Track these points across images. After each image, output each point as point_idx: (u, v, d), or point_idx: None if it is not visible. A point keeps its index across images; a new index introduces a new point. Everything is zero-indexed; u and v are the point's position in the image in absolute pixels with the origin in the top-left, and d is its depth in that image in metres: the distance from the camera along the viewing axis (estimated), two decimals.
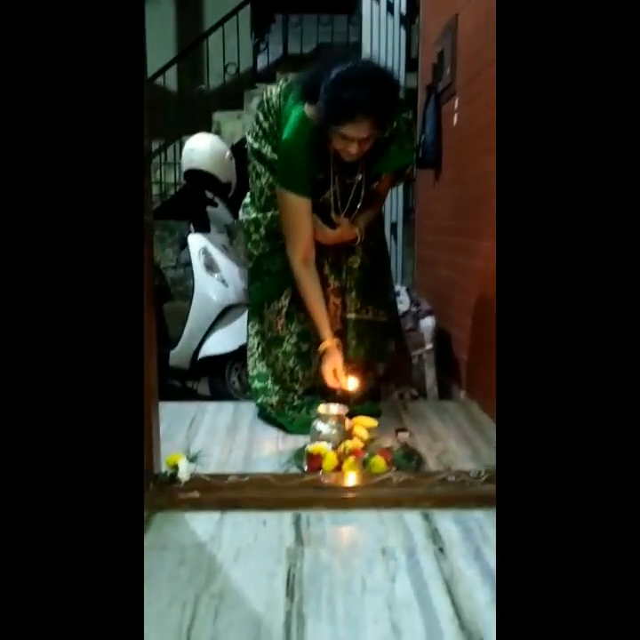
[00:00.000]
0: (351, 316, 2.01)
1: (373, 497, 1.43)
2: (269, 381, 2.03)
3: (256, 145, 1.94)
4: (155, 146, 4.77)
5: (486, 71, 2.20)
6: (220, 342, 2.92)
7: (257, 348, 2.09)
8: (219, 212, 3.21)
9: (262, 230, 1.98)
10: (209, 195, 3.12)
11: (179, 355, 2.92)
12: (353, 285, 2.00)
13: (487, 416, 2.10)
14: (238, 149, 3.82)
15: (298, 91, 1.80)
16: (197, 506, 1.40)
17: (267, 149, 1.92)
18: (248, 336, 2.13)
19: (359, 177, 1.90)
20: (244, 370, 2.95)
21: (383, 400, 2.30)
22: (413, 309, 2.61)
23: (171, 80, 4.96)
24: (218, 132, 4.94)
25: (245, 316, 2.95)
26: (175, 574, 1.15)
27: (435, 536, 1.30)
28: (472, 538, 1.29)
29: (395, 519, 1.37)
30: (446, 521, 1.36)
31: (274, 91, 1.91)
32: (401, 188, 4.47)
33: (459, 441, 1.87)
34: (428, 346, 2.51)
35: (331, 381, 1.86)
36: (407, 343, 2.51)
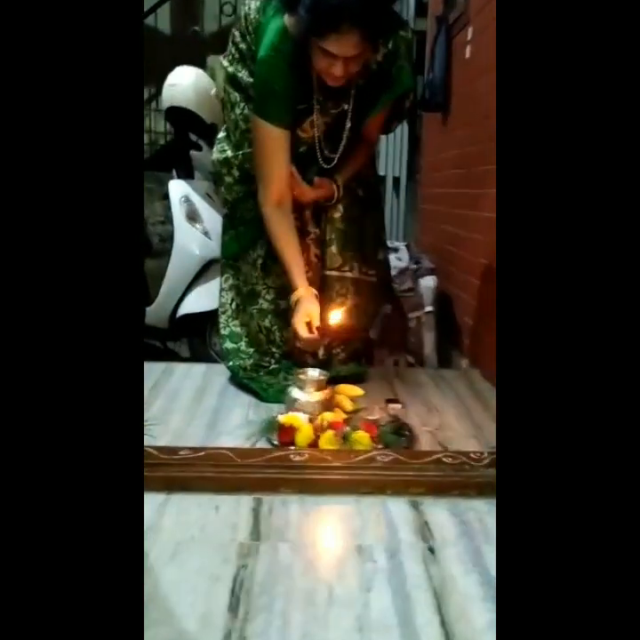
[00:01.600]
0: (331, 273, 1.73)
1: (353, 480, 1.18)
2: (243, 342, 1.79)
3: (231, 69, 1.66)
4: (145, 93, 4.46)
5: None
6: (201, 300, 2.67)
7: (230, 305, 1.83)
8: (203, 156, 2.91)
9: (235, 172, 1.71)
10: (192, 137, 2.83)
11: (156, 312, 2.66)
12: (333, 238, 1.72)
13: (491, 387, 1.85)
14: None
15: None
16: None
17: (243, 74, 1.63)
18: (221, 291, 1.87)
19: (345, 107, 1.61)
20: None
21: (375, 367, 2.04)
22: (413, 267, 2.34)
23: (163, 21, 4.63)
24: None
25: None
26: None
27: (424, 531, 1.06)
28: (470, 534, 1.05)
29: (376, 508, 1.13)
30: (439, 512, 1.12)
31: (253, 4, 1.61)
32: (406, 142, 4.18)
33: (458, 415, 1.62)
34: (428, 308, 2.25)
35: (303, 332, 1.54)
36: (404, 305, 2.25)
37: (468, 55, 2.32)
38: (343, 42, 1.37)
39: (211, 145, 2.91)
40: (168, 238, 2.78)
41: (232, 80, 1.66)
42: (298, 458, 1.22)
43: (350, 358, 1.83)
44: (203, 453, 1.23)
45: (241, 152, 1.67)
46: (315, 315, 1.55)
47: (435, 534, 1.05)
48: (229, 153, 1.71)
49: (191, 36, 4.81)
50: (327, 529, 1.06)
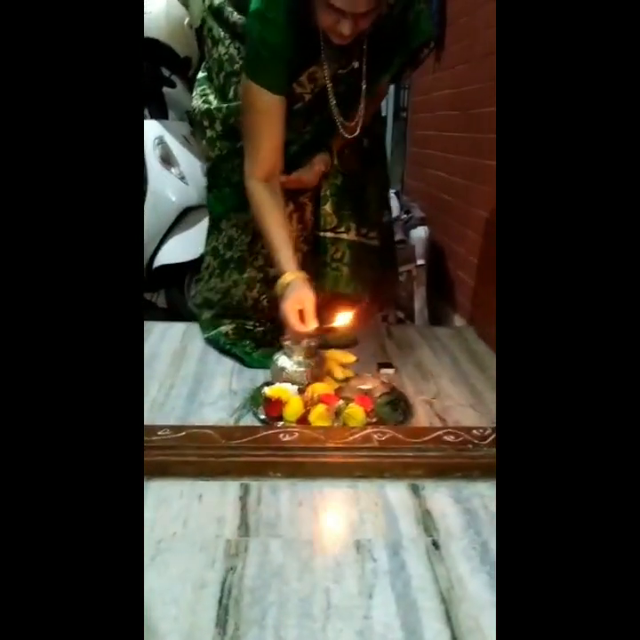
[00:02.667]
0: (325, 234, 1.56)
1: (347, 463, 1.09)
2: (220, 308, 1.65)
3: (217, 1, 1.44)
4: None
5: None
6: (179, 250, 2.52)
7: (207, 270, 1.68)
8: (178, 94, 2.72)
9: (218, 126, 1.50)
10: (165, 72, 2.62)
11: None
12: (328, 194, 1.53)
13: (487, 346, 1.76)
14: (203, 32, 3.24)
15: None
16: None
17: (230, 10, 1.42)
18: (205, 254, 1.72)
19: (356, 64, 1.37)
20: None
21: (364, 324, 1.93)
22: (403, 217, 2.21)
23: None
24: (185, 5, 4.28)
25: (208, 219, 2.57)
26: None
27: (427, 521, 0.98)
28: (476, 525, 0.97)
29: (374, 494, 1.04)
30: (442, 498, 1.04)
31: None
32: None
33: (455, 380, 1.53)
34: (420, 261, 2.13)
35: (295, 324, 1.31)
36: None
37: None
38: None
39: (185, 80, 2.71)
40: (142, 185, 2.60)
41: (216, 13, 1.45)
42: (288, 438, 1.13)
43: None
44: (184, 433, 1.13)
45: (225, 105, 1.46)
46: (309, 303, 1.32)
47: (438, 525, 0.97)
48: (213, 101, 1.50)
49: None
50: (322, 521, 0.97)
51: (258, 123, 1.34)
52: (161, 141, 2.52)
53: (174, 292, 2.61)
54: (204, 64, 1.60)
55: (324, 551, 0.90)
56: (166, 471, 1.06)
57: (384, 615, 0.78)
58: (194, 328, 1.82)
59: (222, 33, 1.45)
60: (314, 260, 1.58)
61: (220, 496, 1.02)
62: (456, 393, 1.46)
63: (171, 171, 2.51)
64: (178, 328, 1.84)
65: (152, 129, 2.53)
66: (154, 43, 2.46)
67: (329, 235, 1.56)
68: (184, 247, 2.52)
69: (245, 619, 0.77)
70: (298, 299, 1.31)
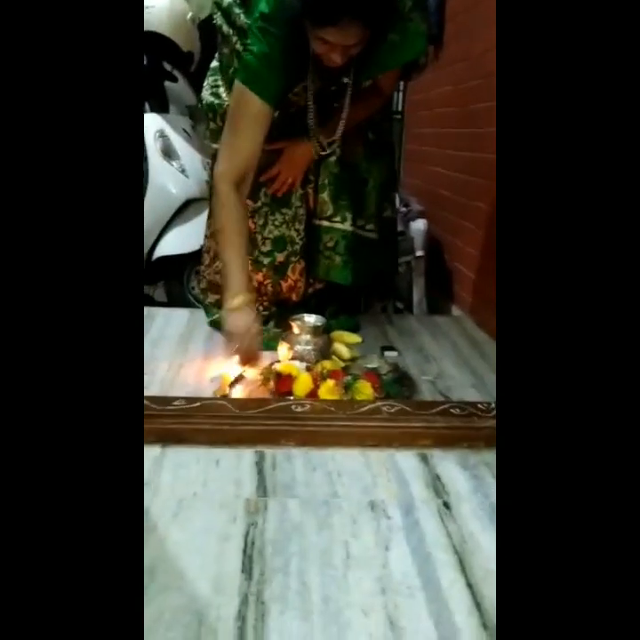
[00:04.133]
0: (320, 222, 1.59)
1: (358, 432, 1.13)
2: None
3: (226, 2, 1.47)
4: None
5: None
6: (179, 241, 2.54)
7: (209, 253, 1.71)
8: (179, 88, 2.75)
9: (219, 121, 1.53)
10: (167, 67, 2.65)
11: None
12: (326, 183, 1.56)
13: (485, 334, 1.80)
14: (206, 26, 3.27)
15: None
16: None
17: (237, 12, 1.45)
18: (205, 238, 1.75)
19: (345, 80, 1.42)
20: None
21: (362, 313, 1.97)
22: (403, 210, 2.25)
23: None
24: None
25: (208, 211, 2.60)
26: None
27: (436, 485, 1.01)
28: (483, 489, 1.01)
29: (384, 462, 1.08)
30: (450, 465, 1.07)
31: None
32: None
33: (456, 363, 1.57)
34: (419, 252, 2.17)
35: (241, 359, 1.36)
36: None
37: None
38: (342, 32, 1.19)
39: (186, 75, 2.74)
40: (142, 176, 2.62)
41: (225, 12, 1.48)
42: (299, 409, 1.16)
43: (342, 311, 1.75)
44: (198, 404, 1.16)
45: (227, 102, 1.48)
46: (253, 341, 1.35)
47: (447, 488, 1.00)
48: (222, 94, 1.53)
49: None
50: (336, 484, 1.00)
51: (242, 126, 1.35)
52: (162, 135, 2.54)
53: (174, 284, 2.63)
54: (217, 56, 1.63)
55: (340, 510, 0.93)
56: (182, 439, 1.09)
57: (401, 565, 0.82)
58: (197, 313, 1.85)
59: (231, 31, 1.49)
60: (308, 246, 1.61)
61: (236, 461, 1.05)
62: (458, 374, 1.50)
63: (171, 164, 2.53)
64: (182, 313, 1.87)
65: (153, 122, 2.55)
66: (156, 37, 2.49)
67: (324, 223, 1.59)
68: (184, 239, 2.54)
69: (270, 566, 0.80)
70: (245, 335, 1.34)
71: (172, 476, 1.00)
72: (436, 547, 0.86)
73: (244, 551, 0.83)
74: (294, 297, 1.65)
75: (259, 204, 1.56)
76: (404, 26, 1.34)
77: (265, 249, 1.61)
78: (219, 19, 1.50)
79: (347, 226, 1.59)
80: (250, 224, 1.60)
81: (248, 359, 1.36)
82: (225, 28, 1.48)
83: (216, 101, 1.54)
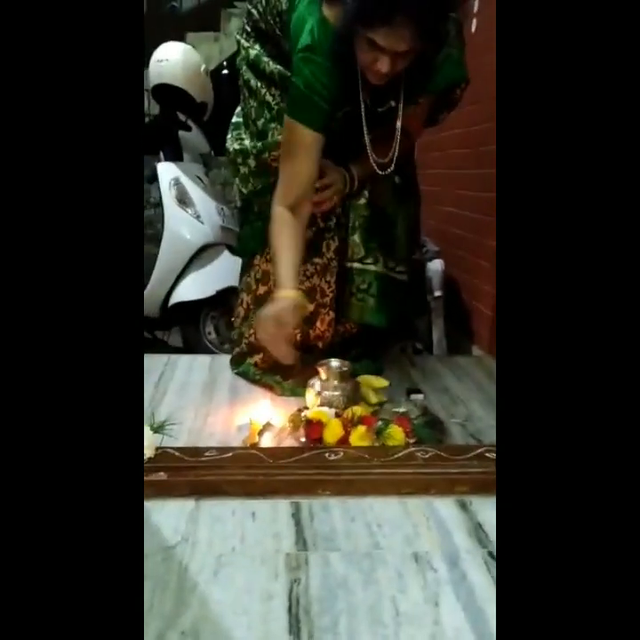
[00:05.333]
0: (352, 264, 1.59)
1: (394, 480, 1.10)
2: (252, 340, 1.66)
3: (253, 52, 1.51)
4: None
5: None
6: (194, 287, 2.56)
7: (242, 305, 1.70)
8: (193, 137, 2.79)
9: (251, 162, 1.54)
10: (181, 117, 2.70)
11: (147, 301, 2.54)
12: (356, 225, 1.57)
13: None
14: (214, 76, 3.35)
15: None
16: (165, 492, 1.06)
17: (266, 60, 1.48)
18: (239, 290, 1.75)
19: (393, 104, 1.43)
20: (221, 319, 2.62)
21: (382, 355, 1.96)
22: (419, 251, 2.26)
23: None
24: None
25: (223, 257, 2.62)
26: None
27: (479, 534, 0.99)
28: None
29: (423, 509, 1.05)
30: (490, 513, 1.05)
31: None
32: None
33: (483, 404, 1.55)
34: (437, 293, 2.17)
35: (270, 344, 1.35)
36: None
37: (473, 29, 2.23)
38: (394, 35, 1.19)
39: (200, 124, 2.79)
40: (158, 223, 2.65)
41: (253, 65, 1.51)
42: (333, 457, 1.14)
43: (365, 354, 1.74)
44: (231, 454, 1.14)
45: (260, 142, 1.51)
46: (288, 327, 1.31)
47: (491, 537, 0.98)
48: (248, 143, 1.56)
49: (169, 12, 4.65)
50: (377, 535, 0.98)
51: (295, 156, 1.38)
52: (177, 182, 2.58)
53: (190, 330, 2.64)
54: (238, 111, 1.65)
55: (384, 562, 0.91)
56: (216, 491, 1.07)
57: (453, 621, 0.79)
58: (219, 359, 1.85)
59: (259, 83, 1.52)
60: (341, 290, 1.61)
61: (272, 513, 1.03)
62: (486, 415, 1.48)
63: (186, 210, 2.56)
64: (203, 360, 1.86)
65: (168, 170, 2.59)
66: (171, 88, 2.55)
67: (356, 265, 1.59)
68: (200, 285, 2.55)
69: (318, 626, 0.77)
70: (283, 321, 1.30)
71: (209, 531, 0.98)
72: (487, 600, 0.83)
73: (290, 610, 0.80)
74: (321, 345, 1.64)
75: None
76: (448, 52, 1.37)
77: None
78: (246, 73, 1.53)
79: (379, 268, 1.59)
80: None
81: (277, 350, 1.34)
82: (253, 81, 1.51)
83: (243, 147, 1.56)
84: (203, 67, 2.61)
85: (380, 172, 1.47)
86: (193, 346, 2.60)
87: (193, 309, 2.57)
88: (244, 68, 1.54)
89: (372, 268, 1.59)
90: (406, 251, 1.66)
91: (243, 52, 1.55)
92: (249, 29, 1.54)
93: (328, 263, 1.57)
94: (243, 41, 1.55)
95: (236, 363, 1.72)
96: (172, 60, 2.56)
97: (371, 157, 1.45)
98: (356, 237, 1.58)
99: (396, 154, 1.46)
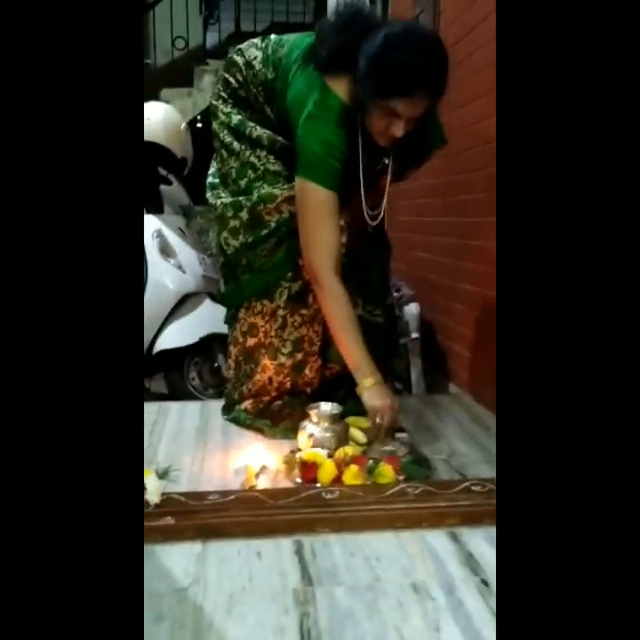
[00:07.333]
0: None
1: (388, 515, 1.17)
2: (244, 390, 1.72)
3: (235, 117, 1.60)
4: None
5: (480, 26, 1.98)
6: (178, 334, 2.62)
7: (233, 359, 1.76)
8: (173, 191, 2.89)
9: (244, 214, 1.59)
10: (162, 172, 2.80)
11: None
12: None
13: (487, 410, 1.88)
14: (190, 128, 3.49)
15: (319, 60, 1.42)
16: (172, 535, 1.11)
17: (251, 125, 1.58)
18: (228, 344, 1.81)
19: (386, 161, 1.56)
20: (204, 364, 2.68)
21: None
22: (395, 294, 2.37)
23: None
24: None
25: (205, 305, 2.69)
26: (151, 638, 0.87)
27: (471, 563, 1.06)
28: None
29: (417, 542, 1.12)
30: (479, 542, 1.12)
31: (254, 53, 1.57)
32: None
33: (465, 440, 1.64)
34: (414, 334, 2.27)
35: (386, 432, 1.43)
36: None
37: None
38: (414, 103, 1.32)
39: (180, 178, 2.90)
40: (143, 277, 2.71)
41: (235, 130, 1.60)
42: (330, 496, 1.21)
43: (349, 395, 1.81)
44: (233, 497, 1.20)
45: (256, 194, 1.58)
46: (396, 415, 1.45)
47: (482, 566, 1.05)
48: (228, 199, 1.63)
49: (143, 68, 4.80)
50: (376, 568, 1.04)
51: (318, 218, 1.45)
52: (159, 234, 2.66)
53: (174, 376, 2.69)
54: (213, 171, 1.71)
55: (386, 594, 0.97)
56: (221, 532, 1.13)
57: None
58: (209, 405, 1.91)
59: (242, 146, 1.60)
60: (325, 334, 1.69)
61: (276, 552, 1.09)
62: (468, 450, 1.56)
63: (169, 261, 2.63)
64: (194, 406, 1.92)
65: (150, 223, 2.67)
66: (153, 146, 2.65)
67: None
68: (183, 332, 2.61)
69: None
70: (389, 412, 1.43)
71: (218, 571, 1.03)
72: (484, 624, 0.90)
73: None
74: (308, 390, 1.71)
75: (275, 304, 1.63)
76: (434, 116, 1.50)
77: (286, 351, 1.65)
78: (226, 137, 1.61)
79: (359, 311, 1.65)
80: (271, 325, 1.65)
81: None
82: (235, 144, 1.60)
83: (235, 200, 1.61)
84: (183, 124, 2.73)
85: (372, 223, 1.58)
86: (177, 391, 2.65)
87: (177, 356, 2.63)
88: (225, 131, 1.62)
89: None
90: (381, 295, 1.77)
91: (222, 116, 1.62)
92: (226, 96, 1.63)
93: (315, 314, 1.64)
94: (221, 106, 1.63)
95: (228, 410, 1.78)
96: (153, 119, 2.67)
97: (364, 210, 1.55)
98: None
99: (385, 204, 1.58)
